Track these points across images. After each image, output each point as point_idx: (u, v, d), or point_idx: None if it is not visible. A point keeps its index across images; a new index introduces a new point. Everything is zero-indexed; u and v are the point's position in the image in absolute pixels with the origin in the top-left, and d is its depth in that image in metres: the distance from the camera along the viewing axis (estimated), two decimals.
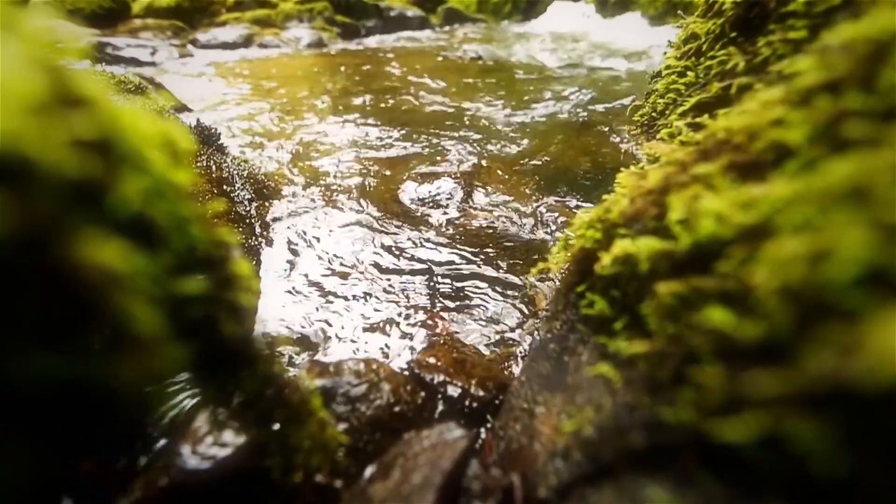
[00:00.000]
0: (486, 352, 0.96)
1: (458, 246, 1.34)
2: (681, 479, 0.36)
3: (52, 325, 0.25)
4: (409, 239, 1.37)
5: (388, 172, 1.79)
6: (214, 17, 5.35)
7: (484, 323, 1.05)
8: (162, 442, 0.70)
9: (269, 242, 1.35)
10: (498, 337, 1.01)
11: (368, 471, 0.61)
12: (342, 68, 3.64)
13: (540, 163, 1.83)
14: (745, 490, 0.33)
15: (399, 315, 1.07)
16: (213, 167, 1.43)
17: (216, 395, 0.50)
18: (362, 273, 1.22)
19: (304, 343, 0.99)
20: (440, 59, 4.10)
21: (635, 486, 0.39)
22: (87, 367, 0.27)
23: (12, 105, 0.23)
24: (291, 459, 0.54)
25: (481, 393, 0.78)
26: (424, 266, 1.25)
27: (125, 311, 0.28)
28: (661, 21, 5.48)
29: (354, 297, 1.13)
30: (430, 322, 1.04)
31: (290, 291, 1.15)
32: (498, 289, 1.16)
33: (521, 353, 0.95)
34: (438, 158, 1.92)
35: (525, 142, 2.08)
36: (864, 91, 0.32)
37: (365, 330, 1.03)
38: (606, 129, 2.17)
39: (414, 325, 1.04)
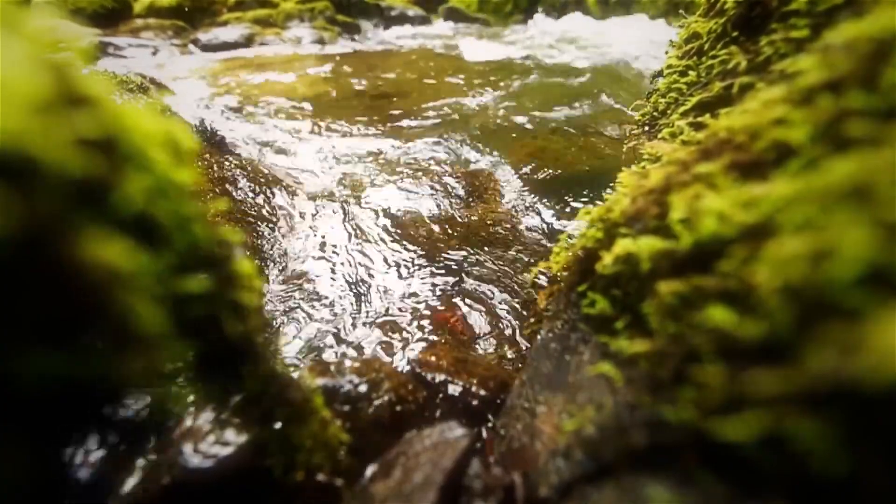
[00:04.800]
0: (487, 351, 0.96)
1: (459, 244, 1.34)
2: (682, 479, 0.36)
3: (54, 323, 0.25)
4: (409, 236, 1.37)
5: (387, 170, 1.79)
6: (216, 16, 5.35)
7: (486, 322, 1.05)
8: (164, 440, 0.70)
9: (271, 238, 1.35)
10: (500, 336, 1.01)
11: (370, 470, 0.61)
12: (343, 67, 3.64)
13: (541, 162, 1.83)
14: (746, 489, 0.33)
15: (401, 313, 1.07)
16: (216, 166, 1.43)
17: (218, 394, 0.50)
18: (363, 269, 1.22)
19: (307, 341, 0.99)
20: (440, 58, 4.10)
21: (636, 485, 0.39)
22: (88, 366, 0.27)
23: (15, 104, 0.23)
24: (293, 458, 0.55)
25: (483, 392, 0.78)
26: (426, 264, 1.25)
27: (128, 310, 0.28)
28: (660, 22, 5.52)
29: (356, 294, 1.13)
30: (431, 320, 1.04)
31: (291, 289, 1.15)
32: (499, 287, 1.16)
33: (522, 352, 0.95)
34: (440, 157, 1.92)
35: (526, 140, 2.08)
36: (866, 90, 0.32)
37: (367, 328, 1.03)
38: (607, 127, 2.17)
39: (415, 323, 1.04)
